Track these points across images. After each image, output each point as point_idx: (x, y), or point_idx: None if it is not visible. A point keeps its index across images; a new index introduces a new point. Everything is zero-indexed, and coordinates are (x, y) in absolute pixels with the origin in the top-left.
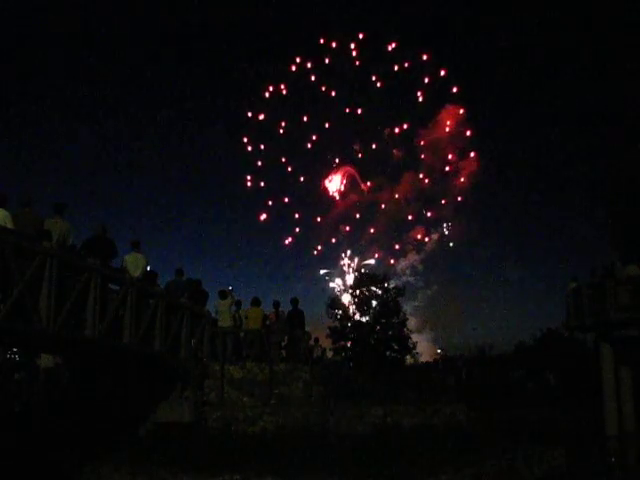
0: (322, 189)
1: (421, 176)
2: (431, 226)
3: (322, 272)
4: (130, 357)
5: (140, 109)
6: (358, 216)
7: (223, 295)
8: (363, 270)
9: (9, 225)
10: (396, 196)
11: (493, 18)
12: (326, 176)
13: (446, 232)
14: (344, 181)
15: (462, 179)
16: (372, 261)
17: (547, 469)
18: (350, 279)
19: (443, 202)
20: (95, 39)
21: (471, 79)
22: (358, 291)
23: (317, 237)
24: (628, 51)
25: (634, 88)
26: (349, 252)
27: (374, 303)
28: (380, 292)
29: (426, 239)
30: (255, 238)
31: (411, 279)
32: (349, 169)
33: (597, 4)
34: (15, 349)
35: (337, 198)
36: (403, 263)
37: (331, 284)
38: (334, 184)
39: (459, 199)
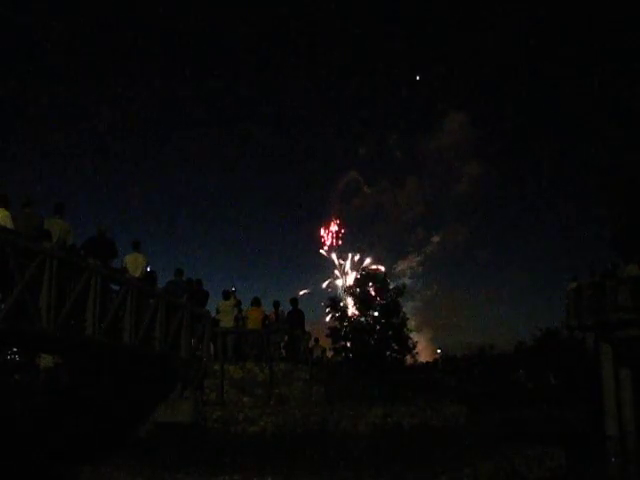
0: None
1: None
2: (433, 229)
3: (301, 293)
4: (130, 357)
5: (140, 110)
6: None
7: (226, 296)
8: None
9: (9, 225)
10: (399, 200)
11: (493, 21)
12: (323, 225)
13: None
14: (337, 234)
15: (464, 183)
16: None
17: (547, 469)
18: (350, 280)
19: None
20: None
21: (474, 85)
22: (358, 290)
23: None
24: (627, 53)
25: (634, 89)
26: (351, 254)
27: (375, 303)
28: (376, 294)
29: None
30: (256, 239)
31: (409, 282)
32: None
33: (597, 5)
34: (15, 349)
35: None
36: (402, 265)
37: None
38: (328, 236)
39: (461, 201)
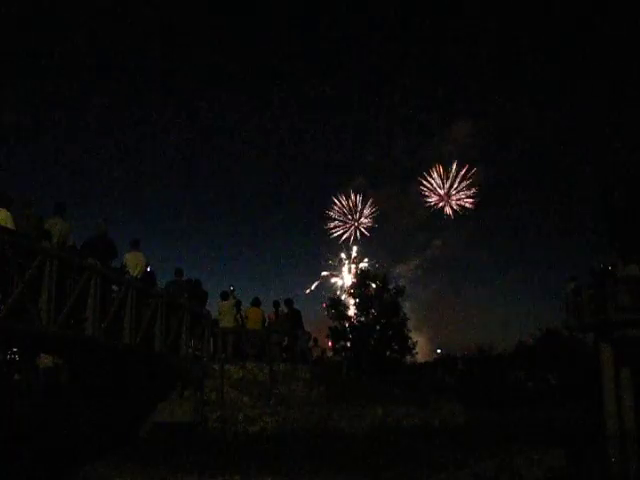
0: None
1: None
2: (434, 232)
3: (307, 291)
4: (130, 357)
5: (141, 109)
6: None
7: (225, 296)
8: (365, 268)
9: (10, 226)
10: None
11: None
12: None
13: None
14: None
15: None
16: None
17: (547, 469)
18: (350, 281)
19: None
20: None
21: (477, 92)
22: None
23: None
24: (626, 54)
25: (633, 89)
26: (353, 252)
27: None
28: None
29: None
30: (256, 239)
31: (409, 286)
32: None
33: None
34: (15, 349)
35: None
36: (401, 268)
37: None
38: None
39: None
